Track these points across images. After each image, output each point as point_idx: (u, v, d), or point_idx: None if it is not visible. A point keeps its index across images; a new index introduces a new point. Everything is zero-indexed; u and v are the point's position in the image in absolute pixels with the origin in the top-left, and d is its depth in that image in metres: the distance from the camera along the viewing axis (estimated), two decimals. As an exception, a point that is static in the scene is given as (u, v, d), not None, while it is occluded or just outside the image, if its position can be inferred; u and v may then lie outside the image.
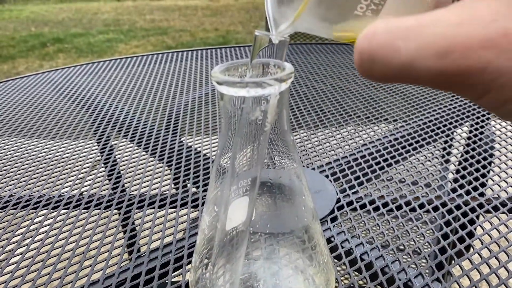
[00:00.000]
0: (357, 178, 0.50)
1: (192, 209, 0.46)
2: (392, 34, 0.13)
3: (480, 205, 0.44)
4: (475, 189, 0.47)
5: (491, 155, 0.54)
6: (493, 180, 0.49)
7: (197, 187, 0.50)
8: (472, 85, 0.12)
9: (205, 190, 0.49)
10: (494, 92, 0.12)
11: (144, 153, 0.59)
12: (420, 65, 0.13)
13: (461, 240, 0.39)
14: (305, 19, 0.15)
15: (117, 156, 0.58)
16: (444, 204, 0.44)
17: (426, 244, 0.39)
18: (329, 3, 0.16)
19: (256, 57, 0.23)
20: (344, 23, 0.16)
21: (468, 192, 0.46)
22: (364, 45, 0.13)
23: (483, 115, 0.66)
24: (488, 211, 0.43)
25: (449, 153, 0.58)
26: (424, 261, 0.38)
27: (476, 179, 0.49)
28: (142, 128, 0.66)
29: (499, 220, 0.42)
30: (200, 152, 0.57)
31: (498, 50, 0.12)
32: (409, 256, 0.37)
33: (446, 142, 0.60)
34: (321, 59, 0.98)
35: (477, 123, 0.63)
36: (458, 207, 0.44)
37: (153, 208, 0.46)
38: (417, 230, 0.41)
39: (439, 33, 0.12)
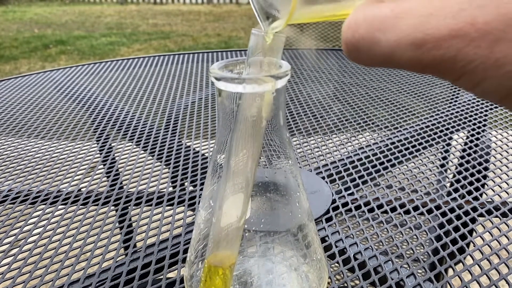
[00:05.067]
0: (353, 180, 0.50)
1: (189, 207, 0.46)
2: (371, 26, 0.14)
3: (474, 209, 0.44)
4: (469, 193, 0.47)
5: (486, 161, 0.55)
6: (487, 185, 0.49)
7: (194, 186, 0.50)
8: (447, 70, 0.14)
9: (202, 189, 0.49)
10: (467, 76, 0.13)
11: (142, 152, 0.59)
12: (399, 55, 0.14)
13: (454, 242, 0.39)
14: (298, 10, 0.16)
15: (116, 155, 0.59)
16: (438, 207, 0.45)
17: (420, 245, 0.40)
18: None
19: (254, 55, 0.23)
20: (335, 4, 0.17)
21: (463, 197, 0.47)
22: (348, 35, 0.15)
23: (480, 122, 0.66)
24: (481, 215, 0.44)
25: (445, 158, 0.59)
26: (417, 261, 0.38)
27: (471, 183, 0.49)
28: (141, 128, 0.67)
29: (492, 223, 0.42)
30: (198, 152, 0.58)
31: (466, 39, 0.13)
32: (402, 256, 0.37)
33: (443, 147, 0.60)
34: (324, 64, 0.99)
35: (473, 129, 0.64)
36: (452, 210, 0.44)
37: (150, 205, 0.46)
38: (411, 231, 0.41)
39: (412, 24, 0.13)
